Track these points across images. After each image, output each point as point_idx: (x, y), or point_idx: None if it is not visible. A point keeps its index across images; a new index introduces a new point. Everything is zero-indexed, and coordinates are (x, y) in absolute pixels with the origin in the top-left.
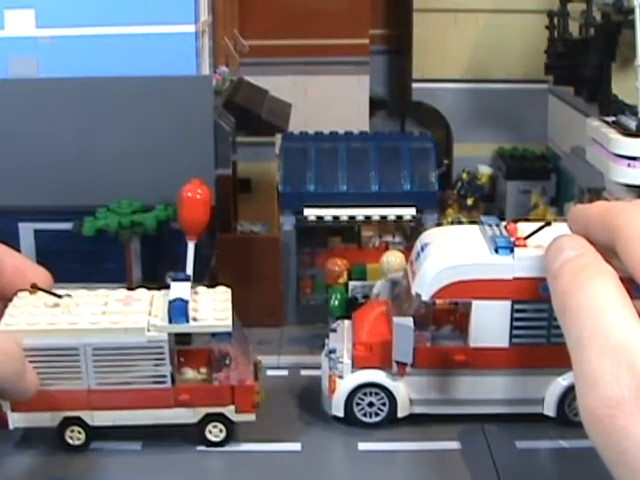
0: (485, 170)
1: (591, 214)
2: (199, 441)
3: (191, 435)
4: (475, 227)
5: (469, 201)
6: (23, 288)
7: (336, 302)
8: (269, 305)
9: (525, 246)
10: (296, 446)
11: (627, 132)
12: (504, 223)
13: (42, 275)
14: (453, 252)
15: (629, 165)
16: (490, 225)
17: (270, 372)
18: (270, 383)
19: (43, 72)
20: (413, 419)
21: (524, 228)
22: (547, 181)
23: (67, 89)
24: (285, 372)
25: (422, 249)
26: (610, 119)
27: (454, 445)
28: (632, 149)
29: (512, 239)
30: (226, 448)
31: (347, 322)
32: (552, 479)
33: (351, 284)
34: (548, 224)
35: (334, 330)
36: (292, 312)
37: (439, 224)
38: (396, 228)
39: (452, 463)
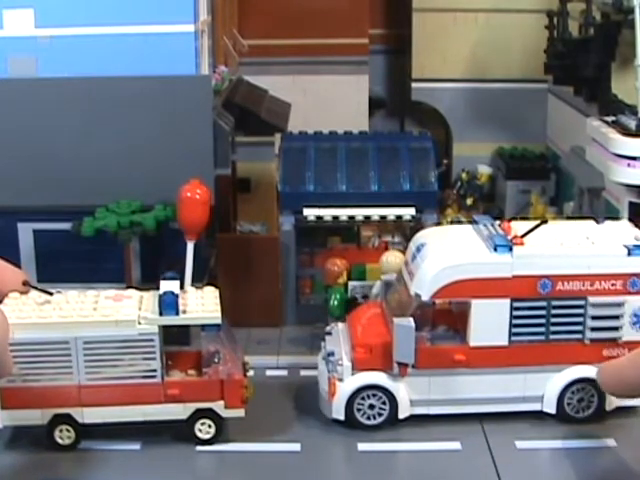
0: (484, 170)
1: (623, 363)
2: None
3: (189, 436)
4: (469, 227)
5: (468, 201)
6: (11, 289)
7: (335, 302)
8: (268, 305)
9: (523, 244)
10: (295, 446)
11: (627, 132)
12: (498, 222)
13: (18, 275)
14: (452, 251)
15: (629, 165)
16: (484, 224)
17: (269, 372)
18: (269, 383)
19: (42, 72)
20: (413, 419)
21: (517, 227)
22: (547, 181)
23: (66, 89)
24: (284, 372)
25: (418, 250)
26: (610, 119)
27: (454, 445)
28: (632, 149)
29: (510, 237)
30: (225, 448)
31: (341, 324)
32: (552, 479)
33: (350, 284)
34: (544, 222)
35: (329, 333)
36: (291, 312)
37: (438, 224)
38: (395, 228)
39: (452, 463)
